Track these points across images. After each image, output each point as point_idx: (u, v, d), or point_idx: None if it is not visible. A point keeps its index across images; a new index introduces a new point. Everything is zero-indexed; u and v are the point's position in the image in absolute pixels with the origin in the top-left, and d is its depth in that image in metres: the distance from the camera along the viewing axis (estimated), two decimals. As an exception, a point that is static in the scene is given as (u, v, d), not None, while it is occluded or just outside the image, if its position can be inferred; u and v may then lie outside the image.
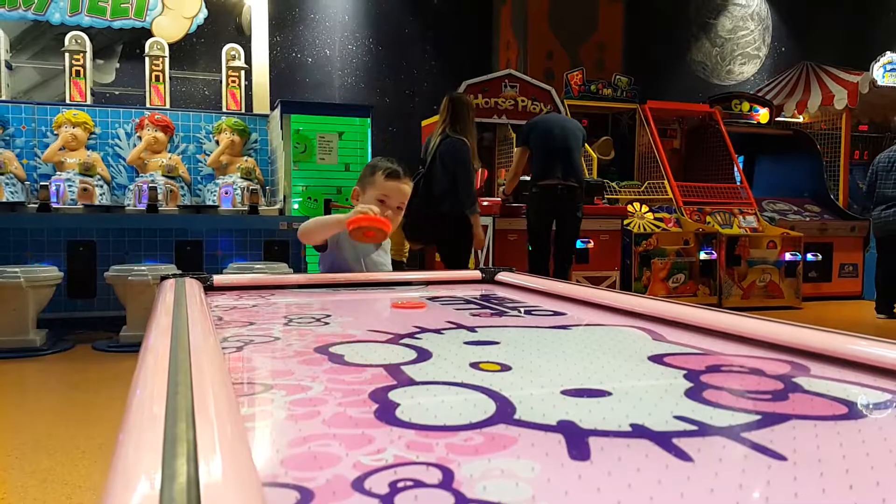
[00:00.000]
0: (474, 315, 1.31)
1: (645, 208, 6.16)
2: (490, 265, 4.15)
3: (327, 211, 5.35)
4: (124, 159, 5.38)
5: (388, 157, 2.16)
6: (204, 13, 5.80)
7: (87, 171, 5.04)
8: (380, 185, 2.02)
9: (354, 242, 1.99)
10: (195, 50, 6.33)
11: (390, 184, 2.01)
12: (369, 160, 5.39)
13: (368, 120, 5.71)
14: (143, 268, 4.32)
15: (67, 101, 5.32)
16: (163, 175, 5.24)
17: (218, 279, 1.65)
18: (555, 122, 4.73)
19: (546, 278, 1.74)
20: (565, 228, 4.59)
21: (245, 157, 5.57)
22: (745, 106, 7.37)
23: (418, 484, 0.44)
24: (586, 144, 5.25)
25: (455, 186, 3.88)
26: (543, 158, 4.55)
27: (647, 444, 0.52)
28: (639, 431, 0.55)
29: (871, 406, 0.68)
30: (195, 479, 0.35)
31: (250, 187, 5.27)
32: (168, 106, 5.58)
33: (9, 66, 5.58)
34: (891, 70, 7.40)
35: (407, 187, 2.05)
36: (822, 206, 7.17)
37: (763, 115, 7.42)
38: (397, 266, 4.56)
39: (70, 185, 4.96)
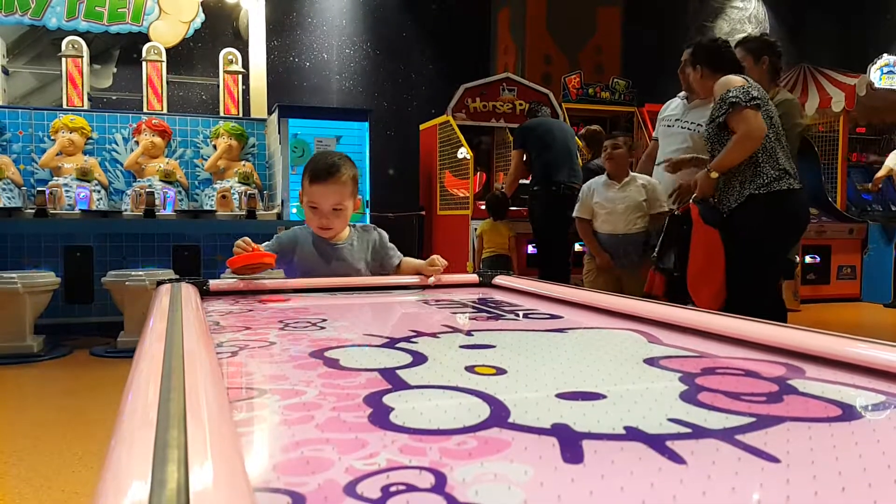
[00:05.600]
0: (471, 319, 1.31)
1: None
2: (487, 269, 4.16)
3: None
4: (121, 164, 5.38)
5: (329, 153, 1.91)
6: (201, 18, 5.80)
7: (84, 176, 5.04)
8: (307, 192, 1.82)
9: (313, 250, 1.87)
10: (192, 54, 6.33)
11: (314, 188, 1.80)
12: (367, 165, 5.43)
13: (366, 124, 5.70)
14: (140, 273, 4.31)
15: (64, 106, 5.32)
16: (160, 180, 5.23)
17: (214, 284, 1.65)
18: (553, 125, 4.81)
19: (544, 282, 1.74)
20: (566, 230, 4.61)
21: (242, 162, 5.57)
22: (743, 108, 7.35)
23: (410, 488, 0.44)
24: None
25: None
26: (547, 159, 4.57)
27: (641, 447, 0.52)
28: (633, 434, 0.55)
29: (865, 408, 0.68)
30: (185, 484, 0.35)
31: (248, 192, 5.26)
32: (165, 110, 5.57)
33: (5, 72, 5.58)
34: (888, 72, 7.39)
35: (334, 185, 1.78)
36: (820, 209, 7.15)
37: (760, 117, 7.41)
38: (504, 261, 4.63)
39: (67, 191, 4.95)
